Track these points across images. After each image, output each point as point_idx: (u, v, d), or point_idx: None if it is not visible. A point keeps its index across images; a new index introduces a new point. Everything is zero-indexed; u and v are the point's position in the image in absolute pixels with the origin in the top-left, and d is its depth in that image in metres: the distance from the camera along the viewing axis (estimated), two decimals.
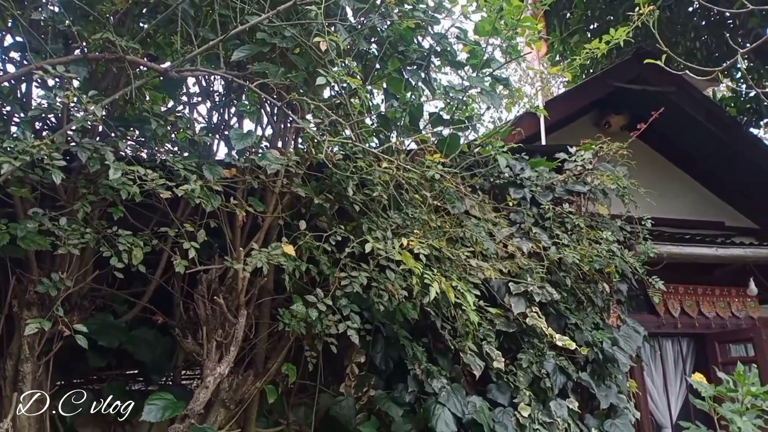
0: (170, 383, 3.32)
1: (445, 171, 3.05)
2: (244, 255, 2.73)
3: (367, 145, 3.19)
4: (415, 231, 2.87)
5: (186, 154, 2.92)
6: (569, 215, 4.07)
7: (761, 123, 7.19)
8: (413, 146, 3.62)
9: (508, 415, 3.31)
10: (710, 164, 6.61)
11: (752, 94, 6.98)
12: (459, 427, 3.20)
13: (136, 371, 3.35)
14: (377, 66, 3.34)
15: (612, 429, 3.64)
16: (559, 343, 3.57)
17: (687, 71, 3.27)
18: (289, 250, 2.67)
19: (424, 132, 3.40)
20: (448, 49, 3.40)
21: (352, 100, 2.96)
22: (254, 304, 2.96)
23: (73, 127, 2.53)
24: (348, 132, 2.99)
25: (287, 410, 3.34)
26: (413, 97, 3.27)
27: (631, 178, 4.30)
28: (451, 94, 3.19)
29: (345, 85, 2.72)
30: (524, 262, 3.70)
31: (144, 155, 3.09)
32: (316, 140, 2.76)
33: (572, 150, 4.40)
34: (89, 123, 2.64)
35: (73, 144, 2.55)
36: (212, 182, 2.66)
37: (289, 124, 3.22)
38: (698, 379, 3.30)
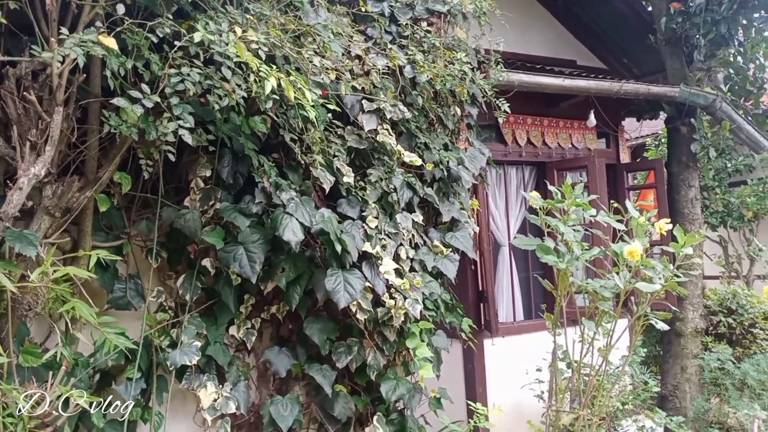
0: None
1: None
2: (57, 47, 2.40)
3: None
4: (255, 21, 2.64)
5: None
6: (427, 34, 4.00)
7: None
8: None
9: (356, 227, 3.41)
10: (571, 2, 6.73)
11: None
12: (308, 237, 3.28)
13: None
14: None
15: (452, 240, 3.91)
16: (407, 160, 3.67)
17: None
18: (109, 42, 2.37)
19: None
20: None
21: None
22: (77, 105, 2.68)
23: None
24: None
25: (128, 224, 3.23)
26: None
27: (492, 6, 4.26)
28: None
29: None
30: (379, 80, 3.65)
31: None
32: None
33: None
34: None
35: None
36: None
37: None
38: (533, 194, 3.60)
